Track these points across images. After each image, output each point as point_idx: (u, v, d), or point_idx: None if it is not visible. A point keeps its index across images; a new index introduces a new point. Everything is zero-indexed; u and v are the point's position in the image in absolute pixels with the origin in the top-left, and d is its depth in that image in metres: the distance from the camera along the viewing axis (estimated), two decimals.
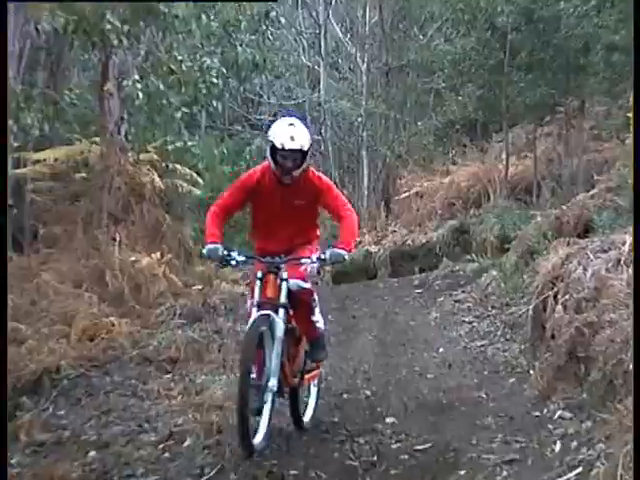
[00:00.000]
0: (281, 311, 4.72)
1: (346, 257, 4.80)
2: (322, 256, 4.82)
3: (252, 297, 4.87)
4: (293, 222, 5.05)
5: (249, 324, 4.62)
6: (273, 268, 4.82)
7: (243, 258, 4.89)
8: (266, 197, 4.98)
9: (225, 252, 4.79)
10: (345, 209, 5.00)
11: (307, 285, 4.96)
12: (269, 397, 4.55)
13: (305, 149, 4.79)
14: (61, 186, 10.59)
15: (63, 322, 7.46)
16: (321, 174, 5.22)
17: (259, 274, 4.82)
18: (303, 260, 4.86)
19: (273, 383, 4.51)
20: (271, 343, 4.60)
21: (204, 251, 4.88)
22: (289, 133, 4.76)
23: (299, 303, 4.96)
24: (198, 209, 11.76)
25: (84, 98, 11.85)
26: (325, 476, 4.23)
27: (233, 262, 4.83)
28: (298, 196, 4.95)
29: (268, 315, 4.62)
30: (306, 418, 5.26)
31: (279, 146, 4.73)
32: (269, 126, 5.13)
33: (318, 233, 5.39)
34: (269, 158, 4.85)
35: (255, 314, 4.65)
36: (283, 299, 4.76)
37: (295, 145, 4.74)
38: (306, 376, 5.25)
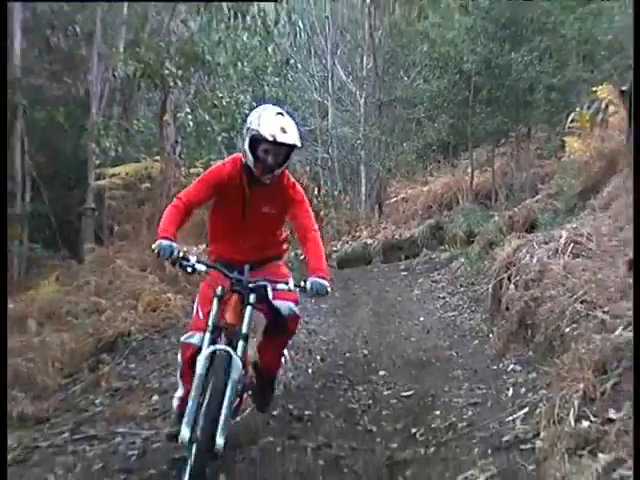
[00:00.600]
0: (241, 344, 3.08)
1: (329, 290, 3.20)
2: (302, 284, 3.18)
3: (204, 317, 3.22)
4: (258, 232, 3.47)
5: (199, 365, 2.94)
6: (240, 287, 3.17)
7: (203, 267, 3.15)
8: (232, 197, 3.38)
9: (180, 254, 3.11)
10: (313, 229, 3.45)
11: (298, 312, 3.47)
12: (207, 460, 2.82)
13: (298, 145, 3.23)
14: (131, 194, 10.62)
15: (132, 297, 7.47)
16: (295, 181, 3.52)
17: (219, 291, 3.19)
18: (279, 286, 3.18)
19: (220, 444, 2.76)
20: (217, 389, 2.88)
21: (154, 246, 3.13)
22: (280, 124, 3.17)
23: (282, 331, 3.45)
24: None
25: (148, 127, 11.91)
26: (332, 415, 4.24)
27: (189, 269, 3.10)
28: (268, 202, 3.40)
29: (226, 353, 2.97)
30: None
31: (268, 138, 3.14)
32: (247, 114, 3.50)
33: (286, 247, 3.81)
34: (248, 152, 3.25)
35: (207, 350, 3.00)
36: (246, 328, 3.12)
37: (288, 139, 3.17)
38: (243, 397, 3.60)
